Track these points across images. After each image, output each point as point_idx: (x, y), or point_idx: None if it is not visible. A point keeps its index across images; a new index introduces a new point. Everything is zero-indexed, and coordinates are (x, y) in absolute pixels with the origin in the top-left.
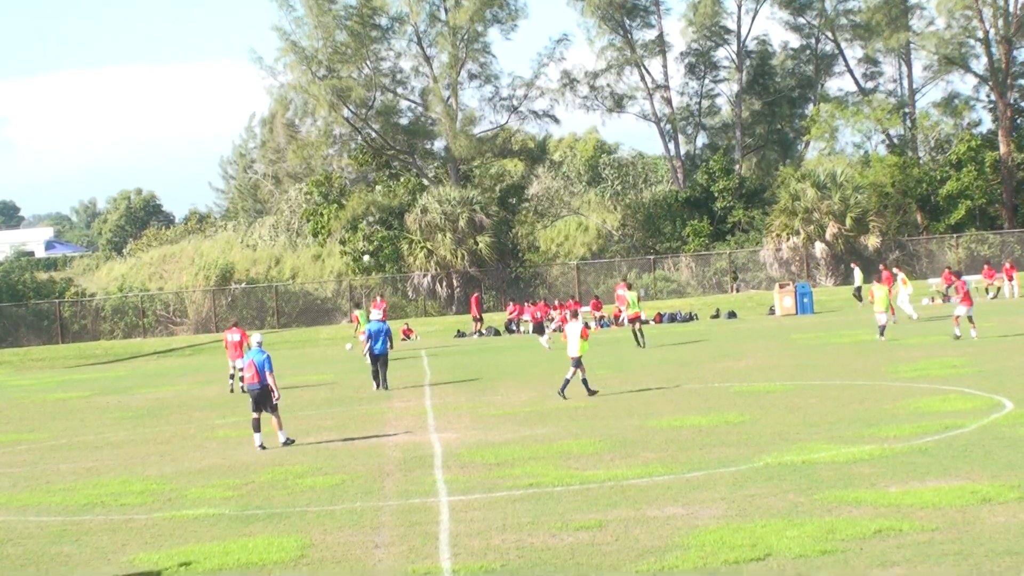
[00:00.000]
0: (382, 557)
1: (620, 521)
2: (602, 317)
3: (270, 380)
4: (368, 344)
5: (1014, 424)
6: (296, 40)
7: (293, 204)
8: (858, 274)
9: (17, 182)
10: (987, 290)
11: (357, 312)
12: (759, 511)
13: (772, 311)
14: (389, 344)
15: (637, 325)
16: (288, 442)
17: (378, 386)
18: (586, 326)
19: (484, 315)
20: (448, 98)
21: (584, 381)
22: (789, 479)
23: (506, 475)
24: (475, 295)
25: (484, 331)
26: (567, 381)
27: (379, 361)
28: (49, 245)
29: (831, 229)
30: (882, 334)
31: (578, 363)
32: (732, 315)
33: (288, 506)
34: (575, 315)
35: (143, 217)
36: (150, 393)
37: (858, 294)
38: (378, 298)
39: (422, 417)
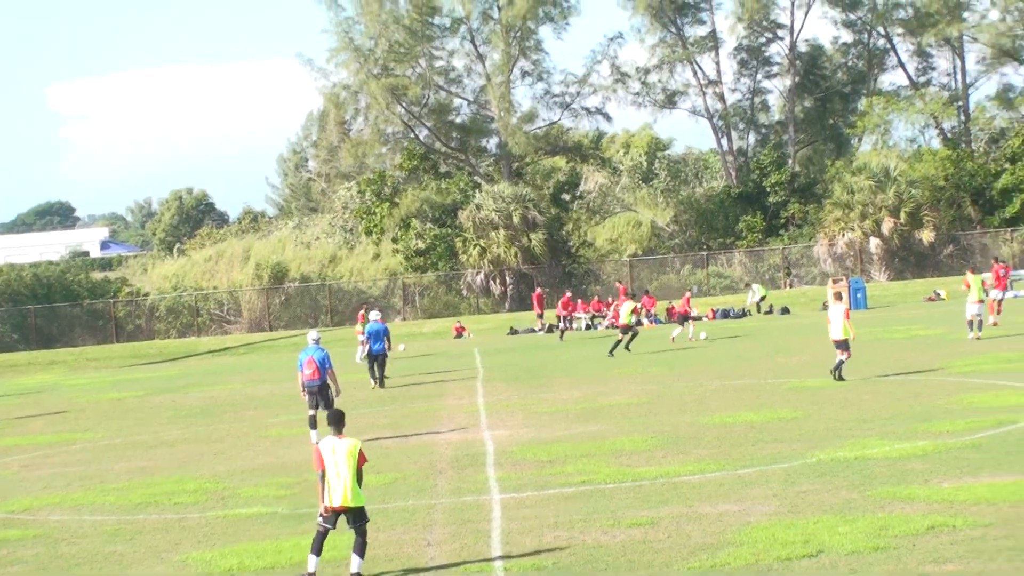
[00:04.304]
0: (434, 555)
1: (672, 518)
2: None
3: (329, 377)
4: (368, 344)
5: None
6: (352, 38)
7: (347, 202)
8: (757, 288)
9: (73, 182)
10: None
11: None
12: (811, 507)
13: (825, 306)
14: (387, 345)
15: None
16: None
17: (376, 383)
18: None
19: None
20: (500, 95)
21: (840, 364)
22: (842, 475)
23: (558, 472)
24: (536, 292)
25: (540, 328)
26: (841, 363)
27: (377, 360)
28: (104, 245)
29: (887, 224)
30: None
31: (845, 345)
32: (785, 311)
33: None
34: (839, 297)
35: (197, 216)
36: (204, 392)
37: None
38: (364, 308)
39: (474, 415)
